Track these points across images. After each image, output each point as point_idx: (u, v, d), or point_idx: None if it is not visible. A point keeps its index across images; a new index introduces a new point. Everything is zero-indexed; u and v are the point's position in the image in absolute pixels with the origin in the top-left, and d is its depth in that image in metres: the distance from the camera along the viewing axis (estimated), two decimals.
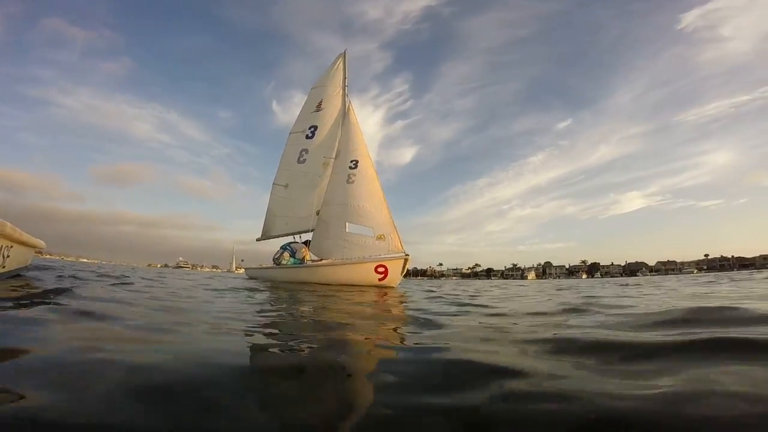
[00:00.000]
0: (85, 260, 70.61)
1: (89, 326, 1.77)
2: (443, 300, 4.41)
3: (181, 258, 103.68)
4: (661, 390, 0.96)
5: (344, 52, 12.61)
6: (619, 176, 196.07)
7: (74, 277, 5.25)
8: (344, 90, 12.28)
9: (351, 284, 8.94)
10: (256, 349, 1.57)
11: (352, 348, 1.70)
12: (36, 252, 5.65)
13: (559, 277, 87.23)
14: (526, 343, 1.63)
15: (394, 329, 2.28)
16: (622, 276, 74.16)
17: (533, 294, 6.11)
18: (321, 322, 2.58)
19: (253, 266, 12.97)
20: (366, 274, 9.46)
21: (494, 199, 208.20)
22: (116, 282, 4.85)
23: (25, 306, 2.18)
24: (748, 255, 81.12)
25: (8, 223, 3.27)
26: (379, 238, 10.06)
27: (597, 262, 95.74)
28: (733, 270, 63.75)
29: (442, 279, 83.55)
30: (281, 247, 11.50)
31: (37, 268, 6.04)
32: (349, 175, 10.71)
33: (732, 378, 1.04)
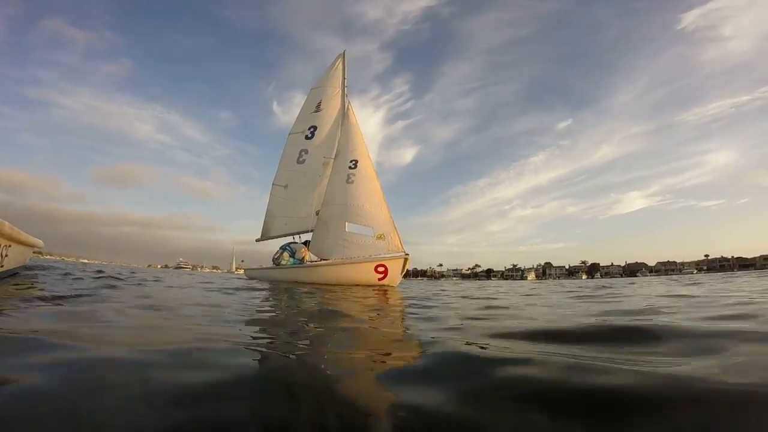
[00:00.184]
0: (86, 261, 70.67)
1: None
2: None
3: (181, 258, 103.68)
4: None
5: (343, 52, 12.65)
6: (620, 176, 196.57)
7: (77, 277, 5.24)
8: (343, 90, 12.31)
9: (351, 284, 8.94)
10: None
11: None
12: (35, 252, 5.65)
13: (559, 277, 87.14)
14: None
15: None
16: (622, 277, 74.11)
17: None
18: (317, 317, 2.58)
19: (253, 267, 12.97)
20: (366, 273, 9.46)
21: (495, 199, 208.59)
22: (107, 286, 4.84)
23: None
24: (749, 255, 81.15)
25: (7, 223, 3.28)
26: (379, 237, 10.06)
27: (597, 262, 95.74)
28: (733, 270, 63.72)
29: (442, 279, 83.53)
30: (281, 248, 11.51)
31: (37, 267, 6.04)
32: (348, 175, 10.72)
33: None
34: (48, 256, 48.51)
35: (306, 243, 11.48)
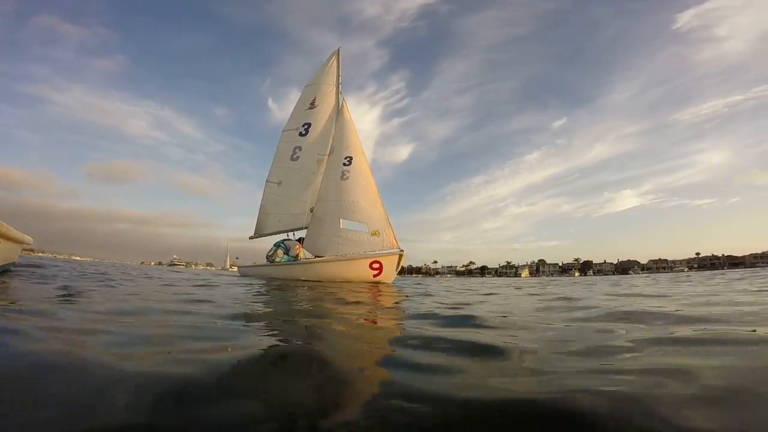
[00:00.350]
0: (78, 258, 69.73)
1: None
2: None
3: (175, 255, 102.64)
4: None
5: (338, 49, 12.61)
6: (614, 175, 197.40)
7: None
8: (338, 87, 12.28)
9: (346, 280, 8.94)
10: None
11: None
12: (24, 249, 5.58)
13: (552, 275, 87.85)
14: None
15: None
16: (614, 274, 74.92)
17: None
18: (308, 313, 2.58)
19: (247, 264, 12.92)
20: (360, 270, 9.47)
21: (490, 196, 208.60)
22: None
23: None
24: (739, 254, 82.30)
25: None
26: (374, 234, 10.07)
27: (590, 260, 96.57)
28: (723, 268, 64.63)
29: (437, 276, 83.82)
30: (275, 245, 11.49)
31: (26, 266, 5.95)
32: (343, 172, 10.70)
33: None
34: (40, 254, 47.88)
35: (300, 240, 11.45)
